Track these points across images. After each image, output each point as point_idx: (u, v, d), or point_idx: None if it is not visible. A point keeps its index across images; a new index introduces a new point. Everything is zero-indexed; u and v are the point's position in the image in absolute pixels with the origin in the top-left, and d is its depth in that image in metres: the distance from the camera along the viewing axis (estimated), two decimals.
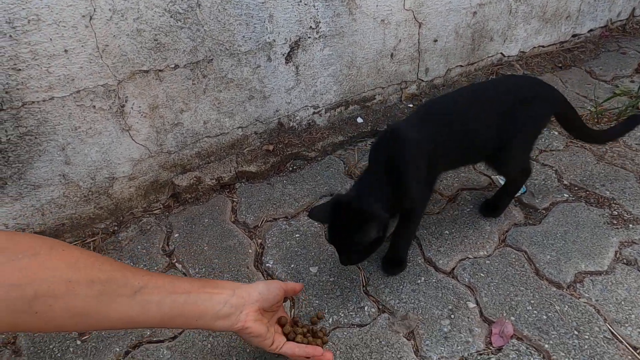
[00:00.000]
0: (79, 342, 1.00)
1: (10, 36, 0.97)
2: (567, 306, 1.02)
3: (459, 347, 0.95)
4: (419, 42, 1.64)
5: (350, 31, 1.45)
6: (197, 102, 1.28)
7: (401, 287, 1.09)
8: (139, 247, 1.23)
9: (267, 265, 1.16)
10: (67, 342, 1.00)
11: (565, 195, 1.34)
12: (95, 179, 1.22)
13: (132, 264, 1.18)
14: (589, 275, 1.09)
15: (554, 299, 1.04)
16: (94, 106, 1.13)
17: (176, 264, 1.18)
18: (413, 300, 1.06)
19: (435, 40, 1.68)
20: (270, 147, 1.46)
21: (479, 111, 1.06)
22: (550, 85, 1.18)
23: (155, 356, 0.96)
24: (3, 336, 1.03)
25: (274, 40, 1.32)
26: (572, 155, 1.49)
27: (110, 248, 1.23)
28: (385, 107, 1.69)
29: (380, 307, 1.04)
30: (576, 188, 1.36)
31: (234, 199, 1.37)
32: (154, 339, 1.00)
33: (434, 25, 1.64)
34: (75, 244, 1.24)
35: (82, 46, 1.06)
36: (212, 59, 1.25)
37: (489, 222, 1.25)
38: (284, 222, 1.28)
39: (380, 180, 0.97)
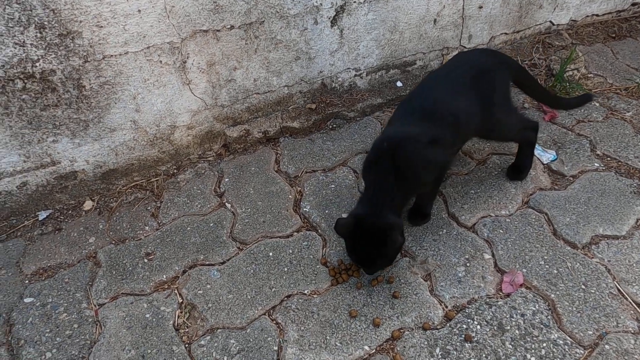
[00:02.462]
0: (146, 261, 1.20)
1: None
2: (578, 264, 1.10)
3: (471, 290, 1.07)
4: (463, 9, 1.66)
5: None
6: (249, 60, 1.41)
7: (423, 236, 1.20)
8: (194, 187, 1.41)
9: (304, 209, 1.30)
10: (137, 259, 1.21)
11: (596, 164, 1.37)
12: (160, 126, 1.39)
13: (188, 202, 1.36)
14: (605, 239, 1.15)
15: (567, 257, 1.12)
16: (161, 61, 1.29)
17: (226, 204, 1.35)
18: (433, 248, 1.17)
19: (481, 7, 1.69)
20: (313, 106, 1.58)
21: (455, 93, 1.14)
22: (497, 51, 1.31)
23: (207, 276, 1.15)
24: (85, 251, 1.25)
25: (321, 4, 1.41)
26: (610, 127, 1.50)
27: (171, 187, 1.42)
28: (426, 72, 1.75)
29: (403, 251, 1.16)
30: (608, 158, 1.39)
31: (278, 152, 1.51)
32: (207, 262, 1.18)
33: None
34: (141, 182, 1.44)
35: (153, 7, 1.20)
36: (263, 21, 1.36)
37: (515, 185, 1.32)
38: (322, 174, 1.41)
39: (386, 190, 1.04)
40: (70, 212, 1.38)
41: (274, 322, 1.04)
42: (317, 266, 1.15)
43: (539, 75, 1.75)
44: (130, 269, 1.19)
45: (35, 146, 1.26)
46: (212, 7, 1.27)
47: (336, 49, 1.53)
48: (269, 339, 1.00)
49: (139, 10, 1.19)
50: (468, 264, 1.12)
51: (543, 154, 1.41)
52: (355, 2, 1.46)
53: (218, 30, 1.32)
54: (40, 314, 1.09)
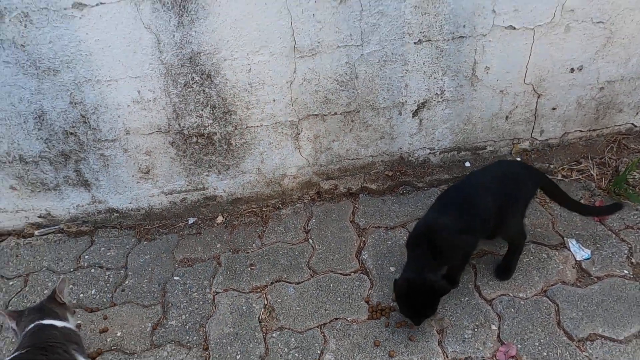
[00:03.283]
0: (249, 269, 1.75)
1: (249, 92, 1.70)
2: (568, 354, 1.35)
3: (470, 350, 1.39)
4: (536, 109, 1.92)
5: (469, 97, 1.85)
6: (344, 136, 1.89)
7: (448, 299, 1.54)
8: (290, 222, 1.93)
9: (363, 257, 1.73)
10: (244, 267, 1.76)
11: (626, 271, 1.55)
12: (274, 174, 1.95)
13: (284, 232, 1.88)
14: (602, 338, 1.37)
15: (561, 345, 1.37)
16: (282, 132, 1.83)
17: (309, 239, 1.84)
18: (452, 310, 1.51)
19: (554, 109, 1.93)
20: (390, 173, 2.00)
21: (487, 194, 1.44)
22: (532, 166, 1.56)
23: (285, 290, 1.65)
24: (213, 252, 1.84)
25: (406, 101, 1.82)
26: None
27: (274, 218, 1.96)
28: (495, 157, 2.03)
29: None
30: None
31: (356, 206, 1.96)
32: (288, 280, 1.68)
33: (554, 97, 1.89)
34: (255, 210, 2.01)
35: (283, 98, 1.75)
36: (359, 111, 1.82)
37: (540, 273, 1.58)
38: (384, 231, 1.82)
39: (425, 262, 1.40)
40: (207, 222, 2.00)
41: (322, 334, 1.49)
42: (361, 302, 1.57)
43: (604, 174, 1.92)
44: (239, 272, 1.74)
45: (195, 177, 1.90)
46: (323, 99, 1.77)
47: (415, 132, 1.92)
48: (316, 344, 1.46)
49: (274, 100, 1.74)
50: (476, 329, 1.44)
51: (578, 251, 1.63)
52: (434, 100, 1.84)
53: (325, 115, 1.82)
54: (182, 290, 1.70)
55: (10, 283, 1.77)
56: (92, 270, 1.81)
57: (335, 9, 1.56)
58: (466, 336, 1.43)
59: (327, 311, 1.56)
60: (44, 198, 1.89)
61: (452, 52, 1.71)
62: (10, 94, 1.61)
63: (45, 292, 1.71)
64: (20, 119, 1.67)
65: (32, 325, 1.23)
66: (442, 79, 1.78)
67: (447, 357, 1.38)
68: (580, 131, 2.02)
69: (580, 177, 1.94)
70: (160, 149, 1.81)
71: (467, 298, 1.54)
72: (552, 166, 1.98)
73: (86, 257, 1.86)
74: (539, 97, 1.88)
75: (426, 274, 1.39)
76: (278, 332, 1.51)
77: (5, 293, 1.73)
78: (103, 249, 1.90)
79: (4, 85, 1.59)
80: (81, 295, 1.71)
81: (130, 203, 1.95)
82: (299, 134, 1.85)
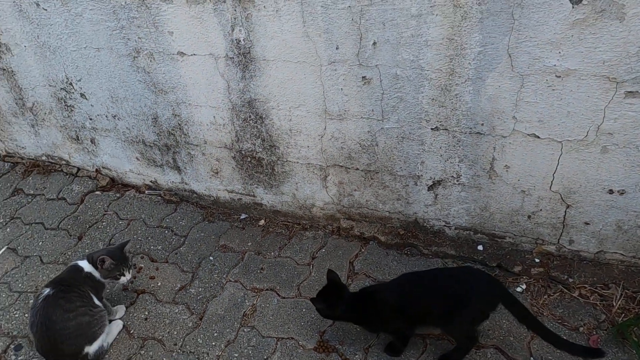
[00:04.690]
0: (258, 271, 2.20)
1: (289, 135, 2.08)
2: None
3: None
4: (564, 218, 1.80)
5: (487, 188, 1.85)
6: (364, 189, 2.11)
7: None
8: (306, 244, 2.28)
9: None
10: (257, 268, 2.21)
11: None
12: (306, 202, 2.31)
13: (298, 251, 2.25)
14: None
15: None
16: (313, 172, 2.17)
17: (311, 265, 2.17)
18: None
19: (587, 223, 1.78)
20: (402, 232, 2.15)
21: (434, 292, 1.54)
22: (497, 281, 1.56)
23: (273, 298, 2.05)
24: (244, 248, 2.34)
25: (422, 175, 1.94)
26: None
27: (298, 236, 2.34)
28: (513, 250, 1.98)
29: None
30: None
31: (362, 250, 2.19)
32: (278, 291, 2.07)
33: (587, 212, 1.74)
34: (287, 224, 2.41)
35: (315, 146, 2.07)
36: (377, 172, 2.02)
37: None
38: (371, 281, 2.03)
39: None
40: (253, 221, 2.50)
41: (275, 345, 1.86)
42: (316, 334, 1.87)
43: (628, 311, 1.72)
44: (251, 271, 2.20)
45: (248, 186, 2.40)
46: (347, 155, 2.03)
47: (430, 204, 2.02)
48: (266, 350, 1.84)
49: (308, 146, 2.08)
50: None
51: None
52: (450, 182, 1.91)
53: (348, 168, 2.07)
54: (209, 268, 2.25)
55: (120, 222, 2.60)
56: (166, 231, 2.50)
57: (360, 88, 1.78)
58: None
59: (289, 329, 1.91)
60: (154, 170, 2.64)
61: (469, 144, 1.76)
62: (140, 101, 2.32)
63: (131, 238, 2.47)
64: (145, 117, 2.39)
65: (73, 262, 1.92)
66: (458, 165, 1.84)
67: None
68: (622, 255, 1.81)
69: (598, 303, 1.78)
70: (225, 159, 2.34)
71: None
72: (571, 280, 1.85)
73: (167, 220, 2.57)
74: (568, 207, 1.77)
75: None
76: (248, 329, 1.94)
77: (115, 229, 2.56)
78: (179, 217, 2.58)
79: (137, 95, 2.30)
80: (152, 247, 2.42)
81: (204, 190, 2.57)
82: (326, 176, 2.15)
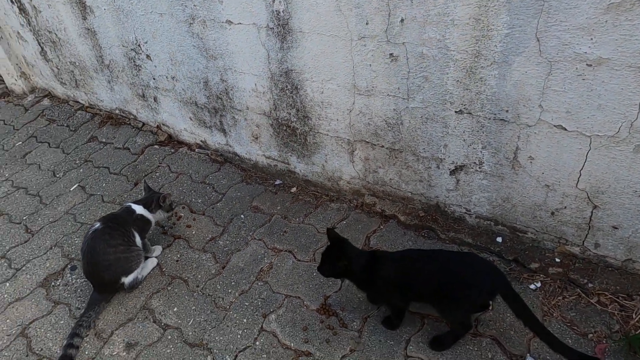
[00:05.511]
0: (282, 234, 2.34)
1: (320, 107, 2.15)
2: None
3: None
4: (590, 219, 1.70)
5: (510, 179, 1.79)
6: (389, 167, 2.14)
7: (377, 334, 1.79)
8: (330, 215, 2.37)
9: None
10: (281, 231, 2.36)
11: None
12: (334, 174, 2.38)
13: (321, 220, 2.35)
14: None
15: None
16: (341, 145, 2.23)
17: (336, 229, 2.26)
18: (372, 344, 1.77)
19: (615, 227, 1.66)
20: (422, 214, 2.15)
21: (432, 271, 1.55)
22: (501, 273, 1.51)
23: (289, 260, 2.18)
24: (272, 211, 2.49)
25: (444, 159, 1.92)
26: None
27: (324, 206, 2.43)
28: (534, 247, 1.90)
29: None
30: None
31: (380, 227, 2.23)
32: (296, 254, 2.20)
33: (616, 215, 1.63)
34: (315, 193, 2.51)
35: (344, 120, 2.12)
36: (402, 151, 2.03)
37: None
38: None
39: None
40: (286, 188, 2.64)
41: (283, 301, 2.00)
42: (321, 297, 1.97)
43: None
44: (274, 232, 2.35)
45: (283, 153, 2.53)
46: (373, 132, 2.06)
47: (452, 189, 2.00)
48: (273, 304, 1.99)
49: (337, 119, 2.14)
50: None
51: None
52: (472, 169, 1.87)
53: (374, 144, 2.10)
54: (238, 225, 2.44)
55: (171, 174, 2.88)
56: (208, 187, 2.73)
57: (387, 64, 1.80)
58: None
59: (297, 289, 2.03)
60: (204, 131, 2.87)
61: (493, 130, 1.71)
62: (194, 65, 2.52)
63: (177, 190, 2.73)
64: (197, 81, 2.60)
65: (127, 204, 2.18)
66: (481, 152, 1.80)
67: None
68: None
69: (616, 312, 1.68)
70: (264, 126, 2.48)
71: (392, 342, 1.75)
72: (591, 285, 1.75)
73: (210, 177, 2.80)
74: (595, 207, 1.66)
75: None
76: (262, 283, 2.10)
77: (165, 180, 2.84)
78: (221, 176, 2.80)
79: (192, 59, 2.50)
80: (193, 199, 2.66)
81: (245, 154, 2.74)
82: (353, 151, 2.20)
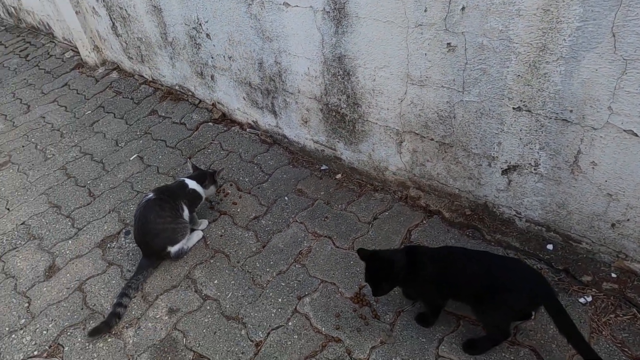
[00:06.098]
0: (323, 220, 2.35)
1: (371, 95, 2.11)
2: None
3: None
4: None
5: (567, 184, 1.67)
6: (437, 161, 2.07)
7: (411, 329, 1.77)
8: (373, 205, 2.35)
9: None
10: (322, 217, 2.37)
11: None
12: (380, 164, 2.35)
13: (363, 208, 2.34)
14: None
15: None
16: (390, 135, 2.18)
17: (371, 224, 2.24)
18: (404, 340, 1.75)
19: None
20: (469, 212, 2.07)
21: (474, 272, 1.49)
22: (547, 282, 1.43)
23: (327, 245, 2.20)
24: (316, 196, 2.51)
25: (497, 157, 1.82)
26: None
27: (367, 195, 2.41)
28: (588, 258, 1.78)
29: None
30: None
31: (423, 221, 2.18)
32: (335, 240, 2.21)
33: None
34: (360, 182, 2.49)
35: (394, 109, 2.07)
36: (452, 146, 1.95)
37: None
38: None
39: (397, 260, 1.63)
40: (330, 174, 2.64)
41: (318, 285, 2.02)
42: (356, 285, 1.97)
43: None
44: (316, 217, 2.37)
45: (331, 139, 2.52)
46: (424, 123, 2.00)
47: (502, 189, 1.90)
48: (309, 287, 2.02)
49: (387, 109, 2.09)
50: None
51: None
52: (527, 170, 1.76)
53: (423, 137, 2.04)
54: (281, 207, 2.48)
55: (221, 152, 2.97)
56: (255, 167, 2.79)
57: (444, 54, 1.72)
58: None
59: (333, 275, 2.05)
60: (256, 111, 2.92)
61: (553, 131, 1.59)
62: (250, 46, 2.56)
63: (226, 167, 2.81)
64: (252, 61, 2.63)
65: (180, 178, 2.28)
66: (538, 153, 1.69)
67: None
68: None
69: None
70: (314, 110, 2.48)
71: (424, 340, 1.73)
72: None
73: (258, 157, 2.85)
74: None
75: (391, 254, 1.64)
76: (299, 266, 2.13)
77: (216, 156, 2.93)
78: (269, 157, 2.85)
79: (249, 40, 2.54)
80: (241, 178, 2.73)
81: (294, 137, 2.77)
82: (402, 142, 2.15)
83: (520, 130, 1.68)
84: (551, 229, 1.85)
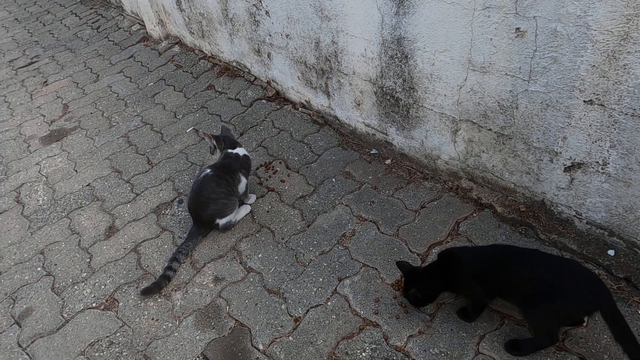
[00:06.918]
0: (369, 204, 2.34)
1: (429, 80, 2.04)
2: None
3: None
4: None
5: (639, 187, 1.54)
6: (493, 153, 1.98)
7: (454, 325, 1.74)
8: (421, 193, 2.30)
9: (433, 250, 2.01)
10: (368, 200, 2.36)
11: None
12: (432, 152, 2.28)
13: (411, 197, 2.29)
14: None
15: None
16: (445, 123, 2.11)
17: (418, 213, 2.20)
18: (443, 334, 1.72)
19: None
20: (523, 209, 1.97)
21: (525, 272, 1.43)
22: (604, 286, 1.34)
23: (371, 230, 2.19)
24: (364, 180, 2.49)
25: (560, 153, 1.71)
26: None
27: (416, 183, 2.36)
28: None
29: None
30: None
31: (473, 214, 2.10)
32: (379, 225, 2.20)
33: None
34: (410, 168, 2.44)
35: (452, 96, 1.99)
36: (511, 138, 1.86)
37: None
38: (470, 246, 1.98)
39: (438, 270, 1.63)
40: (380, 159, 2.60)
41: (360, 268, 2.02)
42: (399, 274, 1.96)
43: None
44: (362, 201, 2.35)
45: (383, 123, 2.48)
46: (482, 112, 1.91)
47: (563, 187, 1.79)
48: (350, 269, 2.03)
49: (445, 95, 2.02)
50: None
51: None
52: (593, 168, 1.64)
53: (481, 126, 1.95)
54: (328, 188, 2.48)
55: (273, 129, 3.01)
56: (305, 147, 2.80)
57: (511, 40, 1.62)
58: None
59: (376, 260, 2.04)
60: (309, 91, 2.92)
61: (628, 128, 1.47)
62: (308, 24, 2.54)
63: (276, 145, 2.85)
64: (309, 40, 2.62)
65: (225, 151, 2.33)
66: (608, 151, 1.56)
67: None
68: None
69: None
70: (368, 93, 2.44)
71: (465, 334, 1.69)
72: None
73: (309, 137, 2.86)
74: None
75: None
76: (342, 248, 2.14)
77: (267, 134, 2.98)
78: (319, 138, 2.85)
79: (307, 18, 2.52)
80: (290, 156, 2.76)
81: (346, 119, 2.75)
82: (457, 130, 2.08)
83: (590, 126, 1.56)
84: (614, 234, 1.72)
